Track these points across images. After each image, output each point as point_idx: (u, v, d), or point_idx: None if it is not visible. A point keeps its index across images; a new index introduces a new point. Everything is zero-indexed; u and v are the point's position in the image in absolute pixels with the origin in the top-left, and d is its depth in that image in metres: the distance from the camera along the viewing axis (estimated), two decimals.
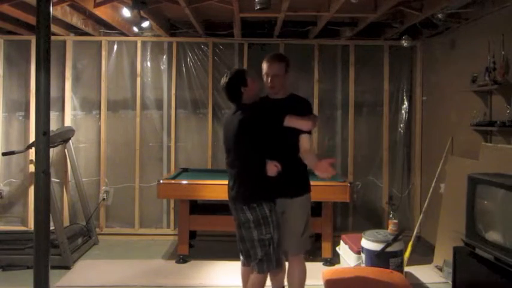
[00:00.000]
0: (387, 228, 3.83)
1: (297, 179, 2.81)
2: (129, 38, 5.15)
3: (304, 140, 2.76)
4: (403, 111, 5.27)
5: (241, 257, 2.88)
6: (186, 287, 3.73)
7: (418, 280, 3.85)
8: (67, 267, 4.01)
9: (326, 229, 4.22)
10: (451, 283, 3.15)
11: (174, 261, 4.29)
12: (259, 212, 2.61)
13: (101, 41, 5.15)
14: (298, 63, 5.12)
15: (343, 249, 4.08)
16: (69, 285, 3.71)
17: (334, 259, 4.23)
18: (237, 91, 2.69)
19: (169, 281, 3.83)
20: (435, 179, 4.43)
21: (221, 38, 5.15)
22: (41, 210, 2.29)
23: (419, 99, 5.18)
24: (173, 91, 5.19)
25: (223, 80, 2.73)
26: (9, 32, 5.00)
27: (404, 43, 4.68)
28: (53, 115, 4.97)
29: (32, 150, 4.56)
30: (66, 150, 4.88)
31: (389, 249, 3.41)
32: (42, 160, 2.27)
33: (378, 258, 3.40)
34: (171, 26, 5.10)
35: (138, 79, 5.19)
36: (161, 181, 4.22)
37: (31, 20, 4.21)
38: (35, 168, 2.29)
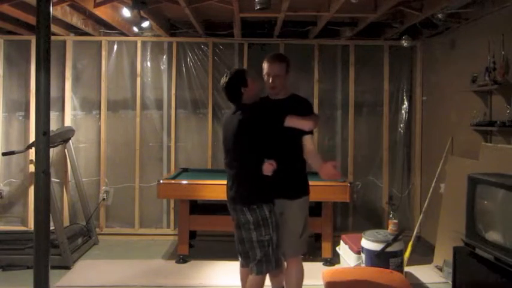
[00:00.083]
0: (387, 228, 3.83)
1: (297, 181, 2.81)
2: (129, 38, 5.15)
3: (308, 142, 2.76)
4: (403, 111, 5.27)
5: (239, 258, 2.88)
6: (186, 287, 3.73)
7: (418, 280, 3.85)
8: (67, 267, 4.01)
9: (326, 229, 4.22)
10: (451, 283, 3.15)
11: (174, 261, 4.29)
12: (259, 214, 2.60)
13: (101, 41, 5.15)
14: (298, 63, 5.11)
15: (343, 249, 4.08)
16: (69, 285, 3.71)
17: (334, 259, 4.24)
18: (237, 91, 2.68)
19: (169, 281, 3.83)
20: (435, 179, 4.43)
21: (221, 38, 5.15)
22: (41, 210, 2.30)
23: (419, 99, 5.18)
24: (173, 91, 5.19)
25: (223, 80, 2.72)
26: (9, 32, 5.00)
27: (404, 43, 4.68)
28: (53, 115, 4.97)
29: (32, 150, 4.55)
30: (66, 150, 4.88)
31: (389, 249, 3.41)
32: (42, 160, 2.28)
33: (378, 258, 3.40)
34: (171, 26, 5.10)
35: (138, 79, 5.19)
36: (161, 181, 4.22)
37: (31, 20, 4.21)
38: (35, 168, 2.29)
